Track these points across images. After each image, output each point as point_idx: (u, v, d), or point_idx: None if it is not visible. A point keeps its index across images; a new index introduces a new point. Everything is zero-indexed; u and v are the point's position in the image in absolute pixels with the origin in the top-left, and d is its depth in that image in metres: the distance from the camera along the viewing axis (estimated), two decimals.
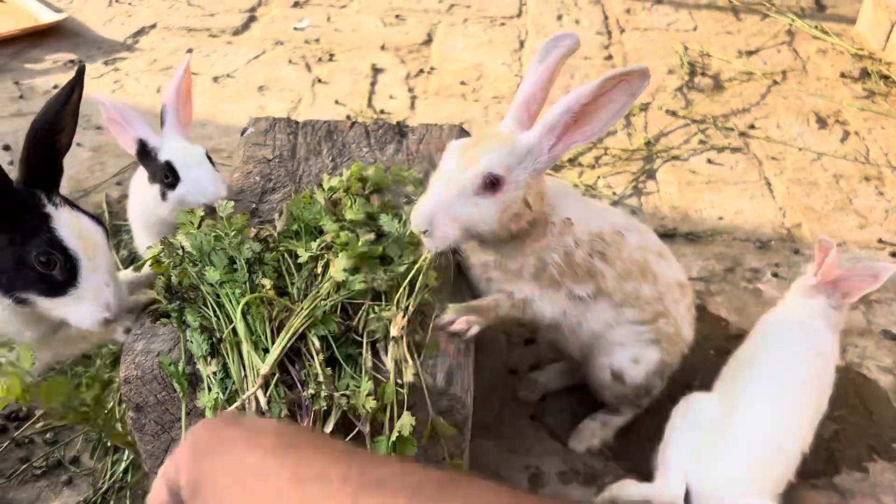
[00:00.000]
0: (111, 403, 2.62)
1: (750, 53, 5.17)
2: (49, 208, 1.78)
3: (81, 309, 1.82)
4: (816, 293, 2.62)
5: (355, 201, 2.21)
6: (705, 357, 2.93)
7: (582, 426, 2.61)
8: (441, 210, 1.93)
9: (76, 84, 1.84)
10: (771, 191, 3.88)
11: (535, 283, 2.12)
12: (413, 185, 2.43)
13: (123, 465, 2.44)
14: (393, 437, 1.71)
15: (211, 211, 2.36)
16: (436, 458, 2.03)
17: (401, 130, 2.81)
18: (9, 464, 2.49)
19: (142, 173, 2.59)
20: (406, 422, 1.71)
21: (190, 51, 5.05)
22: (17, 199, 1.74)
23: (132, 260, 3.25)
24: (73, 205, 1.87)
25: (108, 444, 2.52)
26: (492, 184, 1.93)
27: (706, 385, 2.82)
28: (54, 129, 1.83)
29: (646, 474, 2.50)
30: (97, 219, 1.91)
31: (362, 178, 2.41)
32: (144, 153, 2.47)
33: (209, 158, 2.49)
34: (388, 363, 1.80)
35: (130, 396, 1.93)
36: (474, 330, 2.04)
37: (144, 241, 2.77)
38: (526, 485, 2.45)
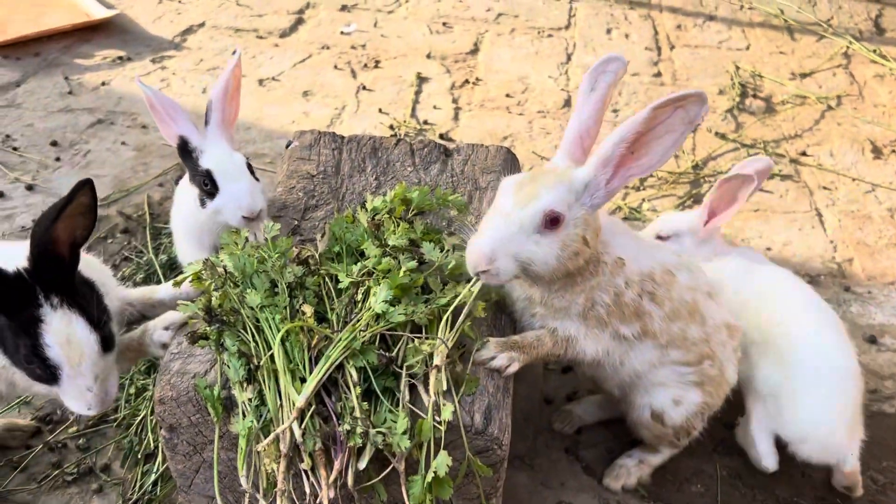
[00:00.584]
0: (143, 412, 2.63)
1: (804, 76, 5.03)
2: (44, 310, 1.79)
3: (66, 400, 1.90)
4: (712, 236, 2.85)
5: (398, 226, 2.17)
6: None
7: (618, 463, 2.55)
8: (501, 248, 1.87)
9: (73, 197, 1.80)
10: (822, 222, 3.76)
11: (581, 321, 2.06)
12: (457, 210, 2.38)
13: (153, 476, 2.43)
14: (429, 478, 1.67)
15: (248, 221, 2.37)
16: (469, 495, 1.98)
17: (446, 150, 2.76)
18: (41, 468, 2.50)
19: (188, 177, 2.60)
20: (442, 461, 1.67)
21: (235, 52, 5.05)
22: (14, 290, 1.77)
23: (171, 266, 3.25)
24: (73, 301, 1.84)
25: (139, 454, 2.52)
26: (552, 221, 1.87)
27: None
28: (52, 240, 1.81)
29: None
30: (97, 320, 1.88)
31: (406, 199, 2.37)
32: (185, 151, 2.46)
33: (250, 167, 2.47)
34: (428, 399, 1.76)
35: (164, 417, 1.91)
36: (515, 367, 1.99)
37: (184, 247, 2.76)
38: None
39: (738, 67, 5.06)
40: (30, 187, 3.78)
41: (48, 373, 1.83)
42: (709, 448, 2.66)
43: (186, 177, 2.62)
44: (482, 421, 1.84)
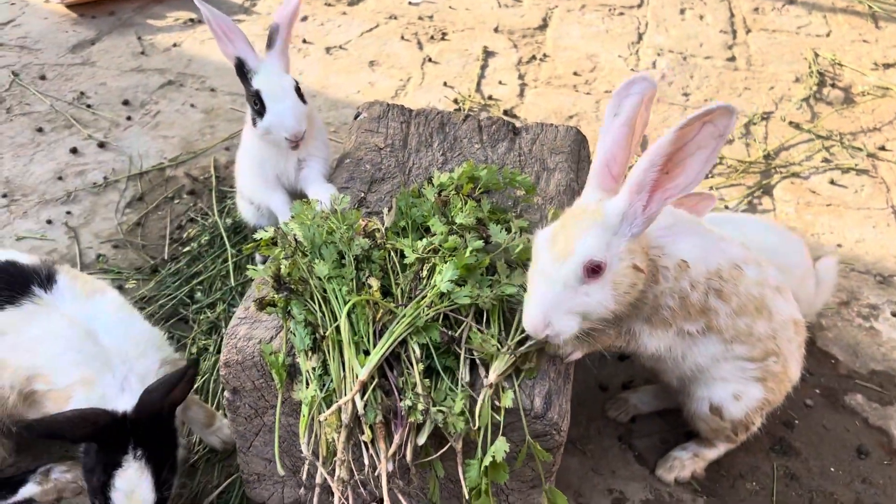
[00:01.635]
0: (205, 371, 2.69)
1: (887, 66, 4.81)
2: (127, 458, 1.92)
3: None
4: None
5: (466, 203, 2.16)
6: (810, 394, 2.78)
7: (672, 455, 2.51)
8: (552, 312, 1.80)
9: (184, 376, 1.99)
10: None
11: (645, 323, 2.03)
12: (525, 190, 2.36)
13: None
14: (486, 462, 1.67)
15: (294, 146, 2.47)
16: (523, 478, 1.98)
17: (514, 129, 2.73)
18: None
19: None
20: (500, 447, 1.67)
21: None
22: (113, 431, 1.91)
23: (235, 230, 3.30)
24: (151, 459, 1.95)
25: None
26: (594, 271, 1.79)
27: (807, 426, 2.69)
28: (159, 409, 1.97)
29: None
30: (161, 483, 1.98)
31: (473, 177, 2.35)
32: (242, 73, 2.52)
33: (299, 91, 2.52)
34: (489, 382, 1.76)
35: (228, 379, 1.95)
36: (577, 354, 1.97)
37: (247, 180, 2.82)
38: None
39: (816, 55, 4.86)
40: (101, 144, 3.88)
41: None
42: (766, 446, 2.61)
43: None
44: (542, 406, 1.83)
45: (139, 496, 1.93)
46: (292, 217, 2.02)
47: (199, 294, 3.03)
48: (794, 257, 2.67)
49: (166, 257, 3.24)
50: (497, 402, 1.73)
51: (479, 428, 1.72)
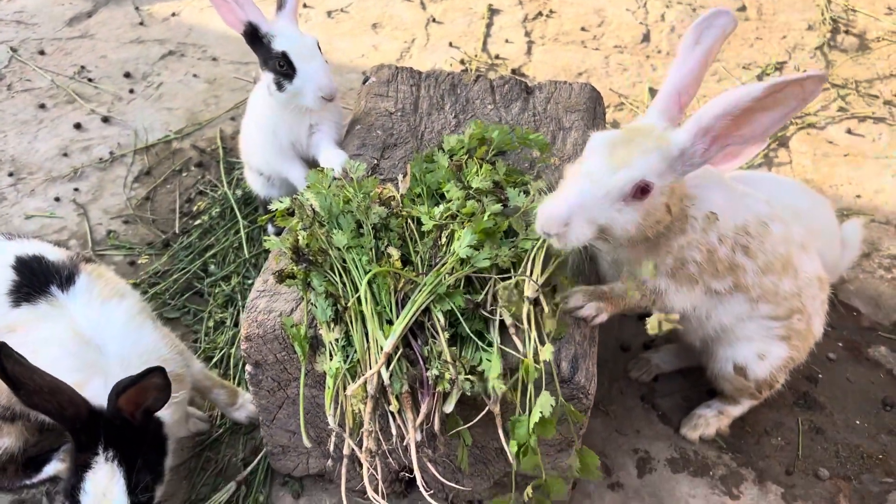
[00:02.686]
0: (222, 346, 2.68)
1: None
2: (97, 459, 1.81)
3: None
4: None
5: (481, 167, 2.11)
6: (833, 348, 2.75)
7: (696, 413, 2.50)
8: (580, 212, 1.75)
9: (141, 378, 1.79)
10: None
11: (670, 279, 1.99)
12: (540, 150, 2.31)
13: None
14: (535, 418, 1.65)
15: (325, 102, 2.43)
16: (550, 442, 1.97)
17: (527, 88, 2.66)
18: None
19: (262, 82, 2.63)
20: (546, 401, 1.64)
21: None
22: (86, 426, 1.81)
23: (245, 201, 3.26)
24: (124, 460, 1.85)
25: None
26: (642, 191, 1.75)
27: (830, 380, 2.67)
28: (117, 408, 1.82)
29: (761, 470, 2.39)
30: (135, 487, 1.87)
31: (485, 139, 2.30)
32: (255, 38, 2.45)
33: (319, 49, 2.48)
34: (529, 337, 1.73)
35: (250, 353, 1.93)
36: (602, 317, 1.94)
37: (260, 151, 2.76)
38: (633, 470, 2.38)
39: (829, 1, 4.74)
40: (105, 119, 3.82)
41: None
42: (790, 401, 2.59)
43: (259, 84, 2.63)
44: (569, 369, 1.81)
45: (110, 499, 1.82)
46: (308, 186, 1.97)
47: (212, 267, 3.00)
48: (821, 219, 2.62)
49: (177, 231, 3.20)
50: (537, 359, 1.70)
51: (519, 387, 1.70)
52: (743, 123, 1.71)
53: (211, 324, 2.79)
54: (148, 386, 1.81)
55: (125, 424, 1.84)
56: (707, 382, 2.48)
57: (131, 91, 4.05)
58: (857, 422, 2.54)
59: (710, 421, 2.47)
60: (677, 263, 1.96)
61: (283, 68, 2.41)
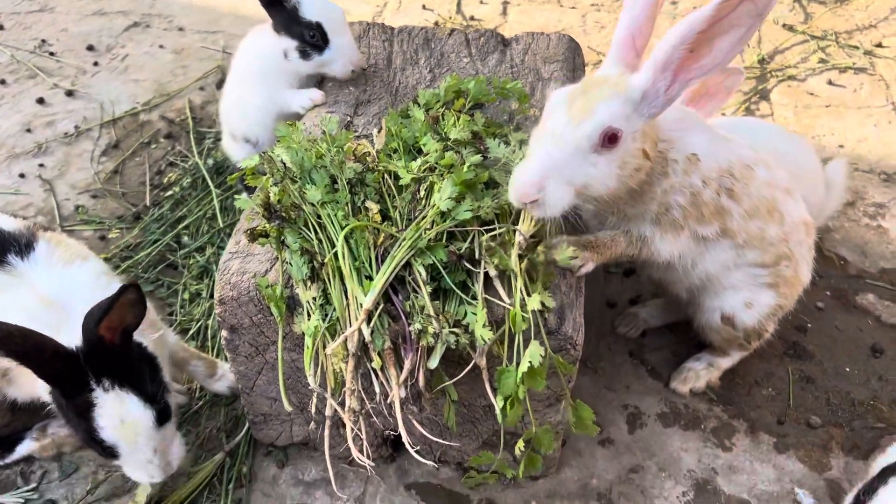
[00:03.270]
0: (199, 317, 2.60)
1: None
2: (96, 393, 1.75)
3: (129, 471, 1.91)
4: None
5: (458, 118, 2.03)
6: (821, 297, 2.72)
7: (686, 366, 2.46)
8: (553, 174, 1.67)
9: (116, 299, 1.71)
10: None
11: (655, 226, 1.93)
12: (518, 100, 2.23)
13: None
14: (524, 368, 1.59)
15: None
16: (539, 397, 1.92)
17: (504, 40, 2.58)
18: None
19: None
20: (536, 351, 1.58)
21: None
22: (70, 369, 1.73)
23: (217, 170, 3.16)
24: (125, 381, 1.79)
25: None
26: (610, 139, 1.68)
27: (819, 328, 2.64)
28: (99, 337, 1.74)
29: (753, 420, 2.36)
30: (152, 396, 1.83)
31: (461, 91, 2.22)
32: (275, 2, 2.39)
33: None
34: (515, 287, 1.67)
35: (225, 317, 1.86)
36: (588, 267, 1.88)
37: (252, 90, 2.66)
38: (624, 426, 2.34)
39: None
40: (69, 93, 3.69)
41: (107, 452, 1.83)
42: (779, 351, 2.56)
43: (265, 26, 2.56)
44: (556, 320, 1.75)
45: (131, 418, 1.77)
46: (277, 141, 1.89)
47: (185, 238, 2.91)
48: (804, 161, 2.57)
49: (148, 203, 3.10)
50: (525, 308, 1.64)
51: (506, 339, 1.65)
52: (702, 52, 1.64)
53: (186, 296, 2.70)
54: (124, 304, 1.73)
55: (108, 352, 1.76)
56: (695, 335, 2.44)
57: (95, 64, 3.91)
58: (847, 369, 2.52)
59: (699, 374, 2.43)
60: (661, 209, 1.90)
61: (315, 38, 2.38)
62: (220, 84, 3.75)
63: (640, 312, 2.63)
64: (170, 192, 3.12)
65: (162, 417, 1.85)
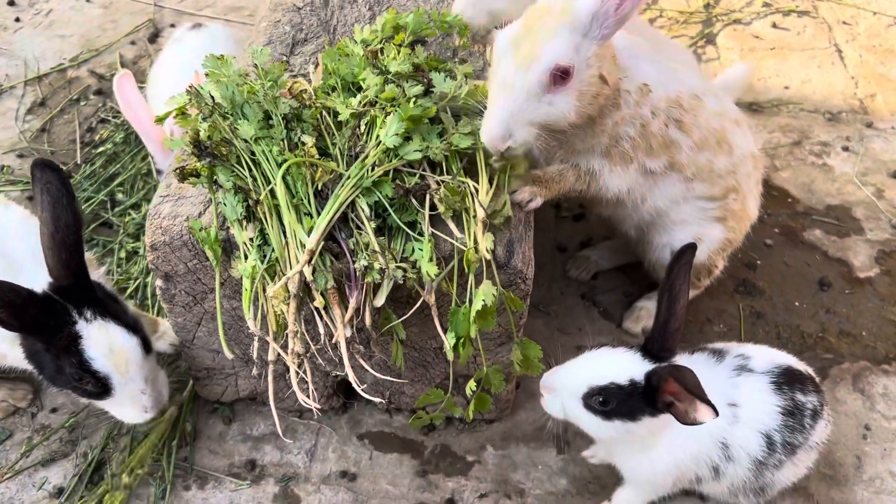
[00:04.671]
0: (136, 275, 2.50)
1: None
2: (80, 325, 1.71)
3: (122, 411, 1.86)
4: None
5: (398, 52, 1.95)
6: (769, 234, 2.73)
7: (637, 305, 2.45)
8: (514, 122, 1.65)
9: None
10: (842, 59, 3.54)
11: (605, 158, 1.88)
12: (460, 34, 2.15)
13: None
14: (477, 306, 1.53)
15: None
16: (490, 336, 1.87)
17: None
18: None
19: None
20: (488, 290, 1.53)
21: None
22: (46, 311, 1.69)
23: None
24: (105, 311, 1.76)
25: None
26: (561, 76, 1.63)
27: (768, 265, 2.65)
28: (60, 237, 1.71)
29: None
30: (132, 325, 1.80)
31: (399, 26, 2.13)
32: None
33: None
34: (470, 229, 1.62)
35: (158, 265, 1.76)
36: (537, 202, 1.83)
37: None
38: None
39: None
40: None
41: (99, 385, 1.76)
42: (730, 288, 2.56)
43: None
44: (504, 254, 1.70)
45: (119, 345, 1.74)
46: (206, 74, 1.78)
47: (120, 196, 2.78)
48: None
49: (79, 161, 2.95)
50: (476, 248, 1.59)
51: (456, 278, 1.59)
52: None
53: (122, 255, 2.58)
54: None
55: (80, 283, 1.73)
56: (646, 276, 2.42)
57: (17, 20, 3.69)
58: (797, 304, 2.53)
59: (651, 312, 2.42)
60: (612, 141, 1.85)
61: None
62: (152, 38, 3.59)
63: (590, 255, 2.61)
64: (101, 149, 2.96)
65: (147, 346, 1.82)
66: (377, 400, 1.65)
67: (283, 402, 2.13)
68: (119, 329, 1.75)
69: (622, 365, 1.66)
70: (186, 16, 3.72)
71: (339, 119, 1.81)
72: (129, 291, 2.47)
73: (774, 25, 3.72)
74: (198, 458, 2.10)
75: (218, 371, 2.07)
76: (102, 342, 1.73)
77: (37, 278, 1.76)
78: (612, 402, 1.65)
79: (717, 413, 1.51)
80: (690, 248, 1.73)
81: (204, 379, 2.10)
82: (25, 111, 3.19)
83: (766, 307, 2.52)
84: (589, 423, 1.70)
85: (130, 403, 1.83)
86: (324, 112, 1.84)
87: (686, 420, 1.58)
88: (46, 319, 1.69)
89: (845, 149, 3.06)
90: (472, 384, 1.71)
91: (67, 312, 1.71)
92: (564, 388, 1.72)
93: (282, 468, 2.08)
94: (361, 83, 1.91)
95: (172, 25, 3.65)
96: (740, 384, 1.81)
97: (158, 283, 1.81)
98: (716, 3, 3.86)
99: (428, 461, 2.11)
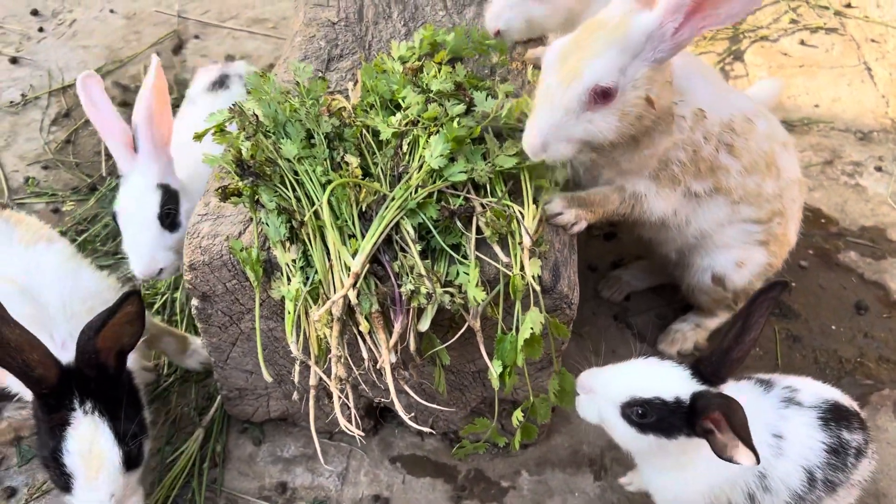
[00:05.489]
0: (164, 290, 2.47)
1: None
2: (75, 414, 1.61)
3: None
4: None
5: (440, 70, 1.92)
6: (803, 256, 2.68)
7: (673, 328, 2.41)
8: (552, 136, 1.63)
9: (119, 307, 1.60)
10: (871, 77, 3.50)
11: (652, 180, 1.85)
12: (500, 54, 2.13)
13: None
14: (525, 335, 1.50)
15: None
16: (529, 360, 1.83)
17: None
18: None
19: None
20: (536, 318, 1.49)
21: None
22: (59, 386, 1.60)
23: None
24: (106, 410, 1.64)
25: None
26: (602, 96, 1.60)
27: (803, 287, 2.61)
28: (96, 350, 1.62)
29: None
30: (122, 435, 1.66)
31: (437, 44, 2.11)
32: None
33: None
34: (516, 253, 1.59)
35: (196, 284, 1.73)
36: (581, 225, 1.80)
37: None
38: None
39: None
40: (14, 60, 3.46)
41: (62, 480, 1.63)
42: None
43: None
44: (550, 278, 1.66)
45: (99, 449, 1.61)
46: (249, 92, 1.75)
47: None
48: None
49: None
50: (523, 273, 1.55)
51: (501, 303, 1.55)
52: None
53: None
54: (124, 318, 1.60)
55: (100, 371, 1.63)
56: (681, 298, 2.39)
57: (41, 30, 3.67)
58: (833, 327, 2.49)
59: (687, 335, 2.38)
60: (661, 164, 1.82)
61: None
62: (175, 50, 3.57)
63: (623, 275, 2.57)
64: None
65: (131, 462, 1.68)
66: (426, 429, 1.61)
67: (316, 422, 2.09)
68: (108, 434, 1.63)
69: (669, 380, 1.60)
70: (211, 27, 3.70)
71: (380, 138, 1.78)
72: (156, 307, 2.44)
73: (802, 43, 3.69)
74: (227, 479, 2.07)
75: (250, 391, 2.03)
76: (85, 439, 1.61)
77: (64, 338, 1.72)
78: (651, 415, 1.58)
79: (758, 460, 1.45)
80: (780, 285, 1.64)
81: (235, 399, 2.06)
82: (50, 122, 3.17)
83: (802, 331, 2.47)
84: (622, 432, 1.64)
85: None
86: (364, 131, 1.81)
87: (722, 455, 1.52)
88: (56, 392, 1.61)
89: (878, 169, 3.02)
90: (518, 415, 1.67)
91: (71, 395, 1.62)
92: (604, 392, 1.65)
93: (313, 491, 2.04)
94: (400, 101, 1.88)
95: (196, 37, 3.64)
96: (787, 416, 1.76)
97: (195, 302, 1.77)
98: (743, 19, 3.83)
99: (462, 486, 2.06)
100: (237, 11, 3.83)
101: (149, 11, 3.81)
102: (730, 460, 1.51)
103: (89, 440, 1.61)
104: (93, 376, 1.63)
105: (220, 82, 2.55)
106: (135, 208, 1.95)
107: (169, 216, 1.96)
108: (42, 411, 1.64)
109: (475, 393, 1.96)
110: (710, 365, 1.60)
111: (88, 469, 1.61)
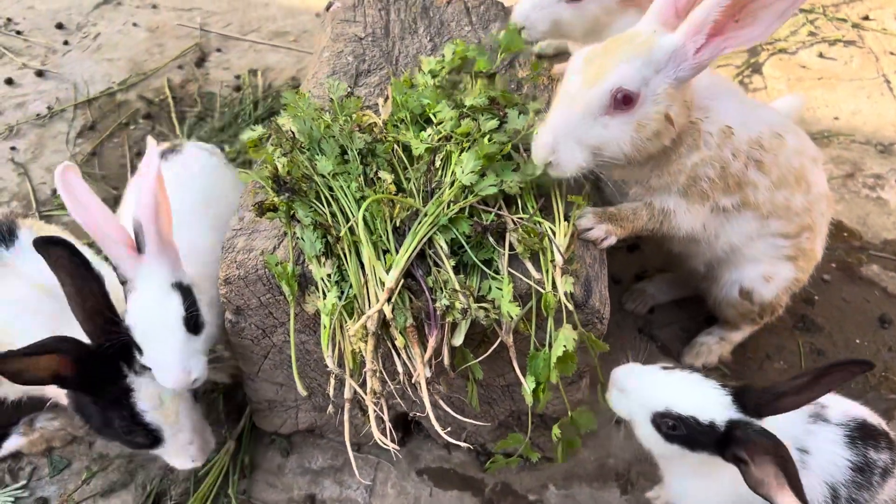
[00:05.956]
0: None
1: None
2: (130, 378, 1.71)
3: (170, 459, 1.86)
4: None
5: (475, 83, 1.94)
6: (826, 269, 2.68)
7: (698, 341, 2.41)
8: (564, 135, 1.63)
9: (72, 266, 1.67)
10: (891, 89, 3.50)
11: (681, 197, 1.86)
12: (531, 68, 2.15)
13: None
14: (558, 352, 1.51)
15: None
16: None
17: (505, 8, 2.49)
18: None
19: None
20: (569, 335, 1.50)
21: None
22: (97, 367, 1.68)
23: None
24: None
25: None
26: (624, 100, 1.61)
27: (827, 301, 2.61)
28: (90, 305, 1.68)
29: None
30: None
31: (466, 58, 2.13)
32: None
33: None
34: (547, 269, 1.60)
35: (230, 298, 1.75)
36: (611, 240, 1.81)
37: None
38: None
39: None
40: (39, 73, 3.51)
41: (151, 438, 1.77)
42: (789, 324, 2.52)
43: None
44: (582, 293, 1.67)
45: (170, 398, 1.74)
46: (285, 108, 1.77)
47: None
48: None
49: None
50: (555, 289, 1.56)
51: (534, 319, 1.56)
52: (745, 20, 1.56)
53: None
54: None
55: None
56: (706, 311, 2.39)
57: (66, 43, 3.73)
58: (857, 341, 2.49)
59: (712, 348, 2.38)
60: (690, 181, 1.83)
61: None
62: (198, 62, 3.61)
63: (647, 288, 2.58)
64: None
65: (195, 393, 1.84)
66: (462, 444, 1.63)
67: (340, 435, 2.10)
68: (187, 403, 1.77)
69: (709, 402, 1.58)
70: (232, 41, 3.74)
71: (413, 153, 1.80)
72: None
73: (821, 55, 3.69)
74: (256, 491, 2.08)
75: (279, 403, 2.05)
76: (153, 395, 1.72)
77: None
78: (682, 431, 1.59)
79: None
80: (865, 364, 1.54)
81: (264, 411, 2.08)
82: (76, 135, 3.21)
83: (826, 344, 2.47)
84: (647, 436, 1.64)
85: (179, 453, 1.83)
86: (395, 146, 1.83)
87: (757, 490, 1.48)
88: (100, 374, 1.68)
89: None
90: (556, 430, 1.68)
91: (119, 366, 1.70)
92: (639, 396, 1.64)
93: (342, 503, 2.06)
94: (432, 116, 1.90)
95: (219, 50, 3.68)
96: (814, 432, 1.76)
97: (228, 315, 1.79)
98: None
99: (489, 500, 2.07)
100: (259, 25, 3.88)
101: (171, 25, 3.85)
102: (763, 496, 1.49)
103: (157, 394, 1.73)
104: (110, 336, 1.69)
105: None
106: (155, 318, 1.69)
107: (192, 318, 1.72)
108: (90, 394, 1.72)
109: (504, 406, 1.97)
110: (754, 397, 1.58)
111: (168, 418, 1.75)
